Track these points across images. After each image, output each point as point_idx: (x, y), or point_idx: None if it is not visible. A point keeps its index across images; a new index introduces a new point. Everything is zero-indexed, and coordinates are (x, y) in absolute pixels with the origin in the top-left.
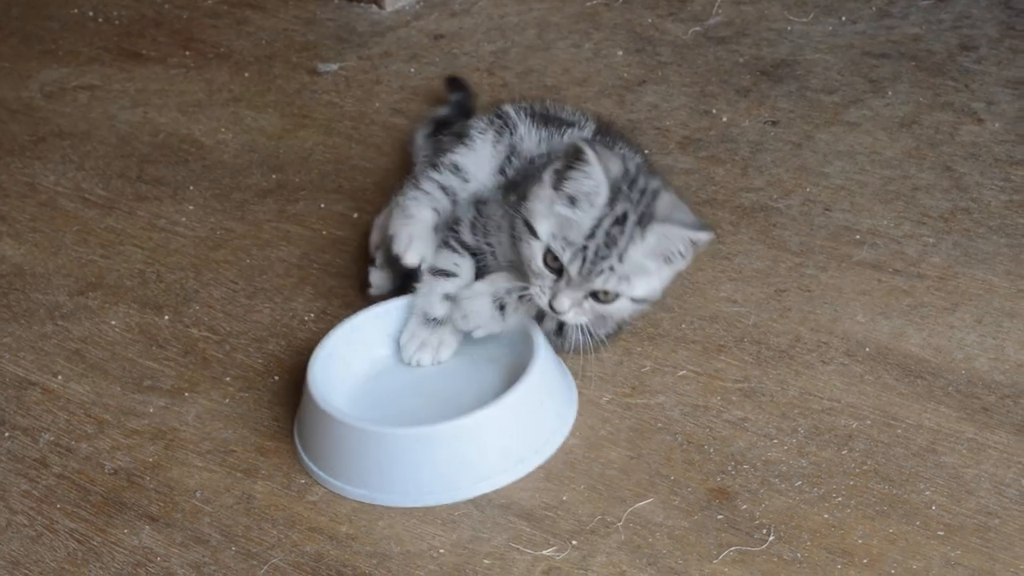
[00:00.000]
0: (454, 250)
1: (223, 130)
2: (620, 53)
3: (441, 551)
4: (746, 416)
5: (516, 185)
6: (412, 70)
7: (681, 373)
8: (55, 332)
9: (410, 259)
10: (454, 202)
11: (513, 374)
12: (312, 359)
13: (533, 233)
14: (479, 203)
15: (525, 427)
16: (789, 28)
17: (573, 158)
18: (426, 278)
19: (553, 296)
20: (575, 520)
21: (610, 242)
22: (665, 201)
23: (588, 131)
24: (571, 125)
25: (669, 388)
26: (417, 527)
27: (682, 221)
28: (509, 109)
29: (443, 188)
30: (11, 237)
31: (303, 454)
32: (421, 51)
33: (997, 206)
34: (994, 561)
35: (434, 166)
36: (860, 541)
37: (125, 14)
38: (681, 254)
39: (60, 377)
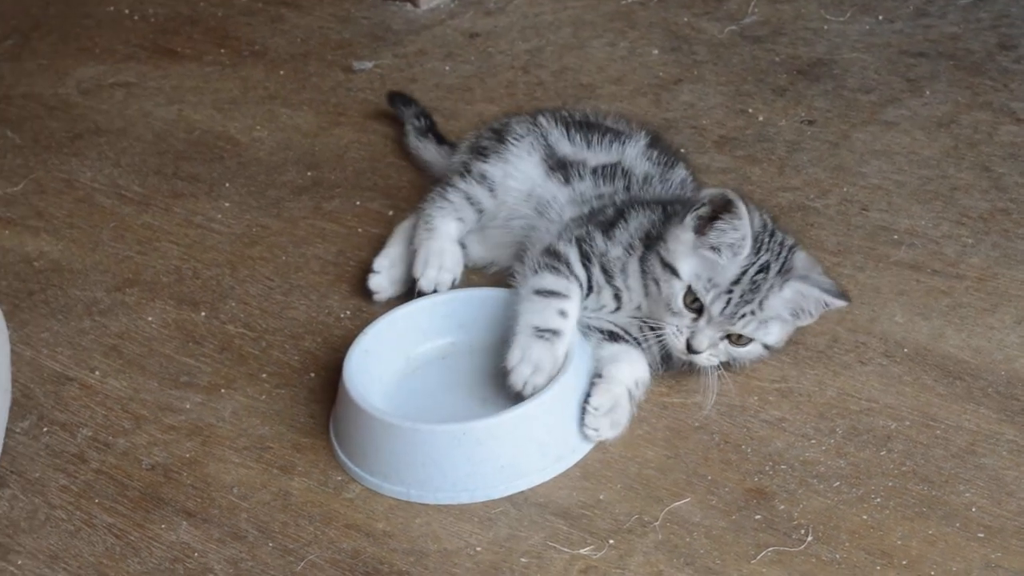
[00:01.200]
0: (563, 275)
1: (258, 127)
2: (655, 52)
3: (478, 549)
4: (784, 416)
5: (605, 220)
6: (447, 68)
7: (718, 372)
8: (93, 328)
9: (423, 285)
10: (480, 212)
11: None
12: (348, 355)
13: (675, 273)
14: (581, 239)
15: (562, 425)
16: (826, 27)
17: (721, 208)
18: (531, 298)
19: (692, 335)
20: (612, 519)
21: (755, 288)
22: (802, 258)
23: (640, 143)
24: (618, 134)
25: (713, 389)
26: (454, 525)
27: (820, 284)
28: (543, 119)
29: (468, 198)
30: (49, 233)
31: (339, 451)
32: (456, 49)
33: None
34: None
35: (462, 174)
36: (899, 542)
37: (161, 12)
38: (811, 313)
39: (98, 373)
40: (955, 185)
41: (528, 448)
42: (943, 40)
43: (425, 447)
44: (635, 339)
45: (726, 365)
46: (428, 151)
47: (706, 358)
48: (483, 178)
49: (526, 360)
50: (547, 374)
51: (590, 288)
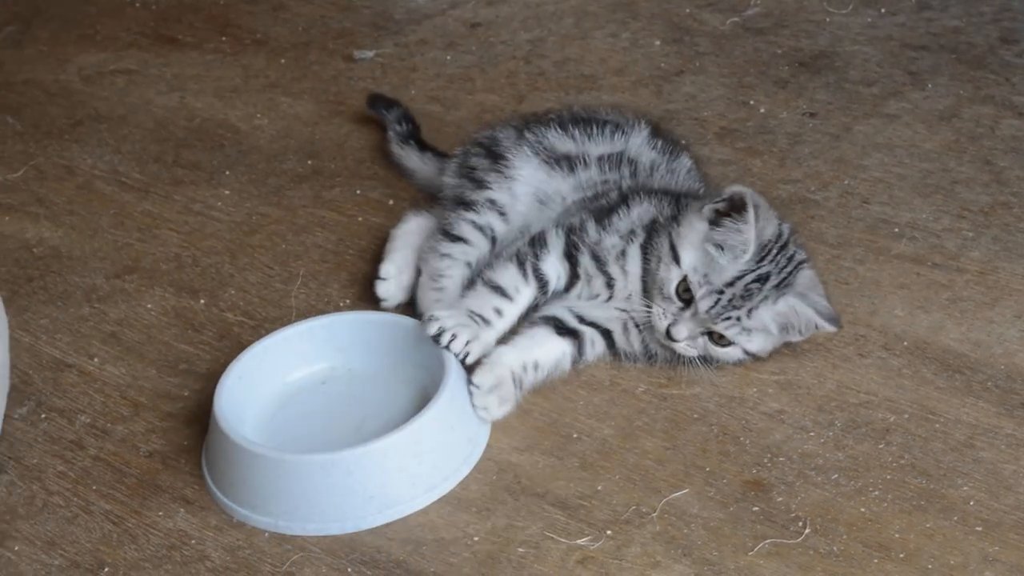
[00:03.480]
0: (523, 273)
1: (259, 116)
2: (658, 43)
3: (475, 539)
4: (782, 408)
5: (603, 207)
6: (448, 58)
7: (717, 364)
8: (92, 315)
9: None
10: (493, 240)
11: (428, 396)
12: (220, 382)
13: (676, 259)
14: (571, 229)
15: (433, 454)
16: (828, 19)
17: (735, 208)
18: (480, 288)
19: (673, 323)
20: (610, 510)
21: (746, 296)
22: (805, 277)
23: (643, 132)
24: (618, 125)
25: (705, 379)
26: (451, 514)
27: (815, 305)
28: (529, 134)
29: (480, 228)
30: (49, 220)
31: (210, 481)
32: (457, 39)
33: None
34: None
35: (467, 205)
36: (897, 535)
37: (162, 0)
38: (800, 332)
39: (96, 359)
40: (956, 179)
41: (397, 478)
42: (945, 33)
43: (293, 477)
44: (607, 331)
45: (704, 359)
46: (411, 159)
47: (683, 347)
48: (492, 204)
49: (453, 319)
50: (467, 335)
51: (575, 278)
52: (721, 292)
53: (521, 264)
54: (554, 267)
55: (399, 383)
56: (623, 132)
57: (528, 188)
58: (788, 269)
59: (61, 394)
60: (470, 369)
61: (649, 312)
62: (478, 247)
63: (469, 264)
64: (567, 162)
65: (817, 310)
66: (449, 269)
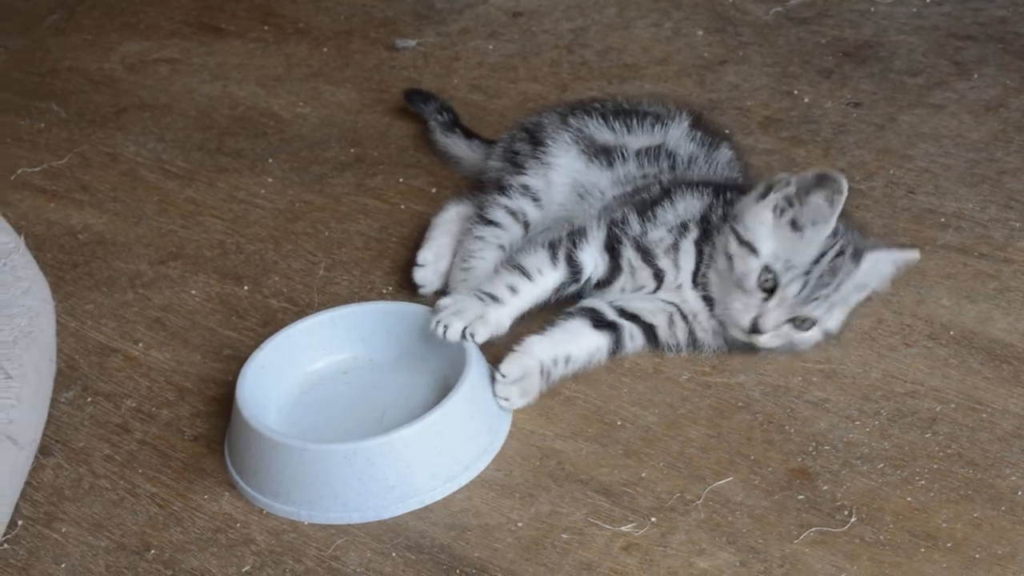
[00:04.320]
0: (552, 257)
1: (302, 104)
2: (700, 32)
3: (519, 524)
4: (827, 397)
5: (644, 200)
6: (490, 47)
7: (762, 352)
8: (136, 300)
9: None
10: (526, 224)
11: (449, 386)
12: (242, 371)
13: (753, 251)
14: (613, 223)
15: (454, 445)
16: (872, 9)
17: (815, 186)
18: (502, 269)
19: (759, 315)
20: (654, 497)
21: (833, 271)
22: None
23: (683, 124)
24: (659, 117)
25: (750, 368)
26: (495, 500)
27: (889, 248)
28: (573, 119)
29: (512, 213)
30: (93, 207)
31: (232, 469)
32: (500, 28)
33: None
34: None
35: (503, 189)
36: (944, 525)
37: None
38: (880, 279)
39: (141, 345)
40: (1003, 169)
41: (418, 468)
42: (992, 23)
43: (315, 467)
44: (649, 325)
45: (783, 348)
46: (458, 146)
47: (768, 339)
48: (526, 189)
49: (451, 306)
50: (466, 319)
51: (617, 270)
52: (808, 273)
53: (553, 250)
54: (592, 257)
55: (420, 373)
56: (663, 124)
57: (565, 177)
58: (855, 232)
59: (107, 379)
60: (498, 358)
61: (728, 310)
62: (510, 231)
63: (502, 247)
64: (605, 155)
65: (894, 248)
66: (480, 251)
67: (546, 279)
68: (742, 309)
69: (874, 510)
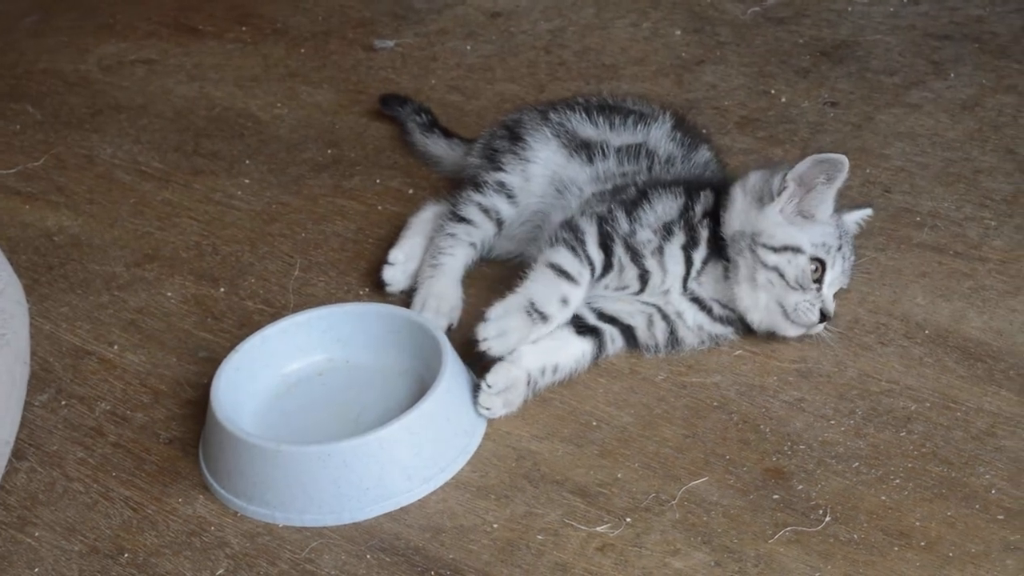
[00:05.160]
0: (578, 258)
1: (279, 105)
2: (678, 32)
3: (495, 525)
4: (803, 396)
5: (628, 199)
6: (468, 48)
7: (737, 353)
8: (111, 302)
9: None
10: (500, 222)
11: (425, 387)
12: (217, 373)
13: (796, 250)
14: (603, 219)
15: (429, 447)
16: (849, 9)
17: (834, 169)
18: (544, 270)
19: (823, 303)
20: (629, 497)
21: (847, 235)
22: None
23: (666, 124)
24: (642, 116)
25: (725, 367)
26: (470, 501)
27: (850, 209)
28: (554, 114)
29: (485, 210)
30: (69, 208)
31: (206, 472)
32: (478, 29)
33: None
34: None
35: (477, 186)
36: (918, 523)
37: None
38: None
39: (116, 347)
40: (978, 168)
41: (393, 470)
42: (968, 23)
43: (289, 468)
44: (628, 326)
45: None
46: (438, 146)
47: (824, 325)
48: (501, 187)
49: (499, 324)
50: (509, 346)
51: (608, 268)
52: (840, 248)
53: (571, 247)
54: (596, 253)
55: (396, 375)
56: (645, 123)
57: (544, 171)
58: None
59: (81, 381)
60: (484, 366)
61: (794, 312)
62: (482, 229)
63: (473, 245)
64: (586, 150)
65: (853, 211)
66: (451, 248)
67: (587, 278)
68: (808, 307)
69: (849, 509)
